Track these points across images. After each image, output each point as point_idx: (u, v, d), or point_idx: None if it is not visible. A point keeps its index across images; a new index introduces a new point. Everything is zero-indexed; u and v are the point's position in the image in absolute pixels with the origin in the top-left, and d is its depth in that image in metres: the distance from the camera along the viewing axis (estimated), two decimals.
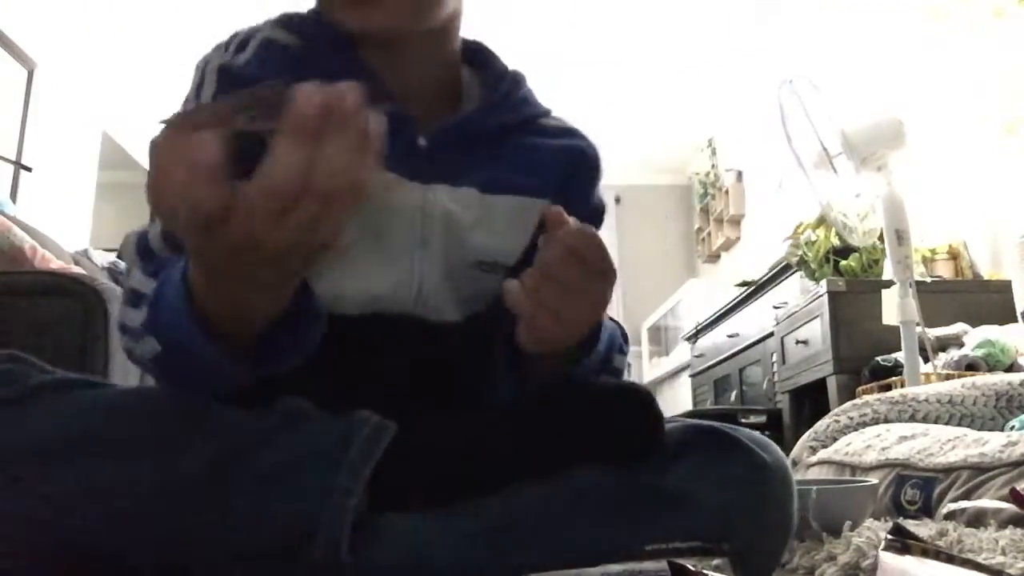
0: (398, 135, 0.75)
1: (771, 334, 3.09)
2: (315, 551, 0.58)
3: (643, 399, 0.68)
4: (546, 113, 0.89)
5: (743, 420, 2.87)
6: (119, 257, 2.79)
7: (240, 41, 0.76)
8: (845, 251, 2.77)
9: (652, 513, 0.63)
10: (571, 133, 0.89)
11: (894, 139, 2.11)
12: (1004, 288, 2.52)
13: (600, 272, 0.63)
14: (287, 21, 0.79)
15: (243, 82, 0.70)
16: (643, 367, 5.61)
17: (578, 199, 0.83)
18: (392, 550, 0.60)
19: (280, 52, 0.75)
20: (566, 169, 0.85)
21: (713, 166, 5.39)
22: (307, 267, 0.54)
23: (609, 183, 6.11)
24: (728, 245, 5.28)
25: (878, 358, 2.32)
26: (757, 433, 0.70)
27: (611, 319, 0.85)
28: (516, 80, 0.87)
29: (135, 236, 0.70)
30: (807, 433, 1.76)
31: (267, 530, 0.58)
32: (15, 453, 0.58)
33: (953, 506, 1.08)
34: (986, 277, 2.63)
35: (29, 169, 3.54)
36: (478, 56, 0.87)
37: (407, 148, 0.75)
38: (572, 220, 0.64)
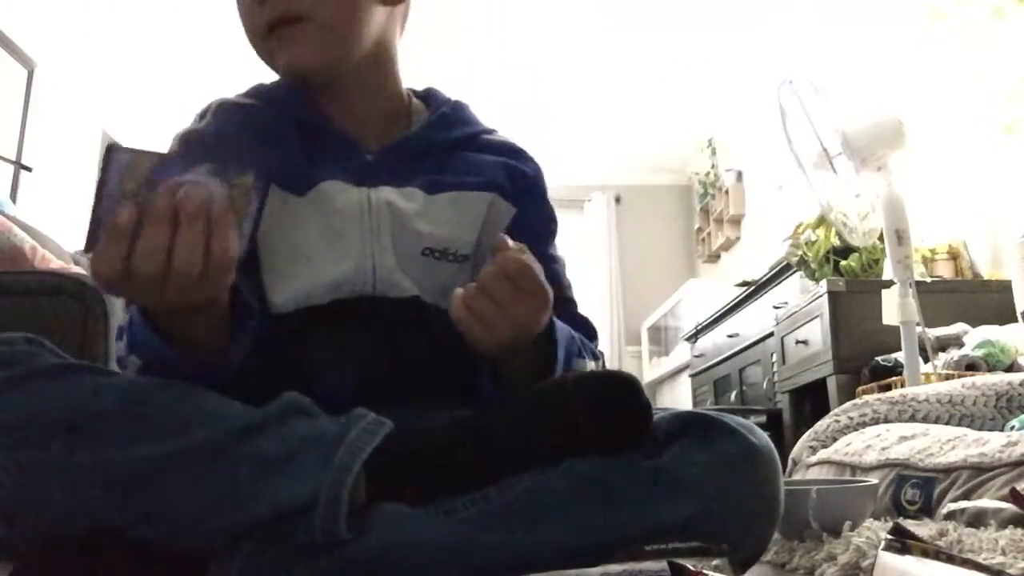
0: (347, 155, 0.88)
1: (771, 334, 3.09)
2: (314, 525, 0.60)
3: (629, 385, 0.70)
4: (490, 131, 0.99)
5: None
6: None
7: (204, 111, 0.91)
8: (845, 251, 2.77)
9: (649, 495, 0.66)
10: (513, 150, 0.98)
11: (894, 139, 2.10)
12: (1004, 288, 2.51)
13: (529, 293, 0.73)
14: (250, 90, 0.93)
15: (203, 142, 0.86)
16: (643, 367, 5.60)
17: (531, 217, 0.94)
18: (391, 532, 0.62)
19: (235, 110, 0.89)
20: (510, 181, 0.93)
21: (713, 166, 5.39)
22: (210, 305, 0.66)
23: (609, 183, 6.13)
24: (728, 245, 5.28)
25: (878, 358, 2.32)
26: (741, 418, 0.73)
27: (578, 316, 0.95)
28: (457, 106, 0.98)
29: None
30: (807, 433, 1.76)
31: (267, 503, 0.60)
32: (25, 429, 0.61)
33: (953, 506, 1.08)
34: (986, 277, 2.63)
35: (29, 169, 3.54)
36: (428, 94, 0.99)
37: (356, 163, 0.87)
38: (515, 245, 0.75)
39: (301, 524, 0.60)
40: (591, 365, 0.88)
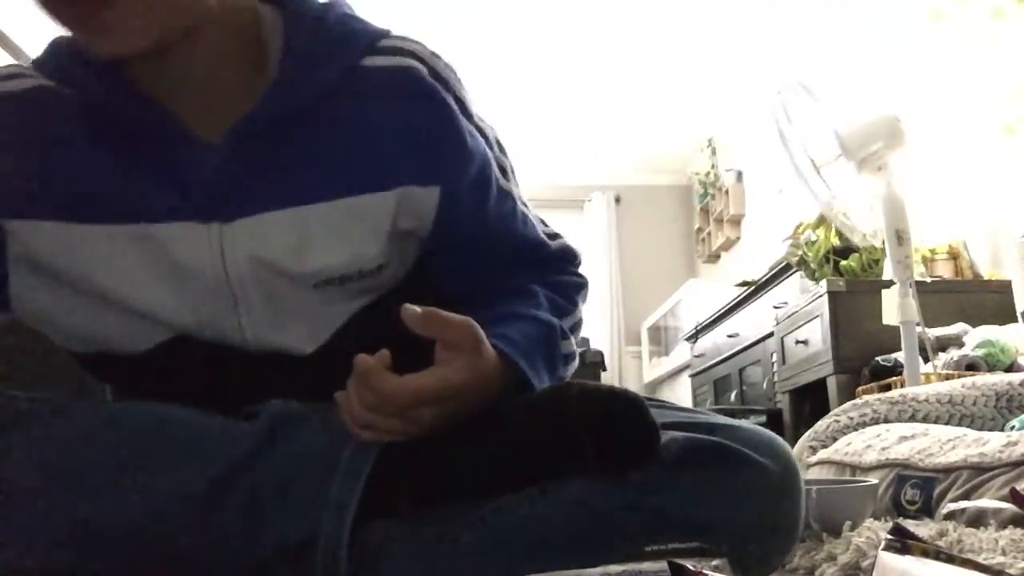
0: (178, 156, 0.65)
1: (771, 334, 3.09)
2: (315, 565, 0.57)
3: (633, 404, 0.62)
4: (371, 43, 0.70)
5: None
6: None
7: None
8: (845, 251, 2.77)
9: (655, 535, 0.59)
10: (410, 87, 0.69)
11: (891, 137, 2.10)
12: (1004, 288, 2.52)
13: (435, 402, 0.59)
14: (42, 57, 0.69)
15: None
16: (643, 367, 5.60)
17: (460, 180, 0.71)
18: (390, 563, 0.59)
19: (15, 107, 0.66)
20: (420, 151, 0.69)
21: (713, 166, 5.38)
22: None
23: (609, 183, 6.12)
24: (728, 245, 5.28)
25: (878, 358, 2.32)
26: (761, 430, 0.66)
27: (547, 252, 0.79)
28: (321, 25, 0.69)
29: None
30: (807, 433, 1.76)
31: (265, 546, 0.57)
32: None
33: (953, 506, 1.08)
34: (986, 277, 2.64)
35: None
36: (284, 7, 0.71)
37: (193, 173, 0.65)
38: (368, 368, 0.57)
39: (301, 561, 0.57)
40: (579, 315, 0.78)
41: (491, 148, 0.76)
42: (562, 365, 0.74)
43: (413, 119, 0.69)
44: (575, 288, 0.80)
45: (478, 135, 0.74)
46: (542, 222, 0.84)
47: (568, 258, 0.83)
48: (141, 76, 0.65)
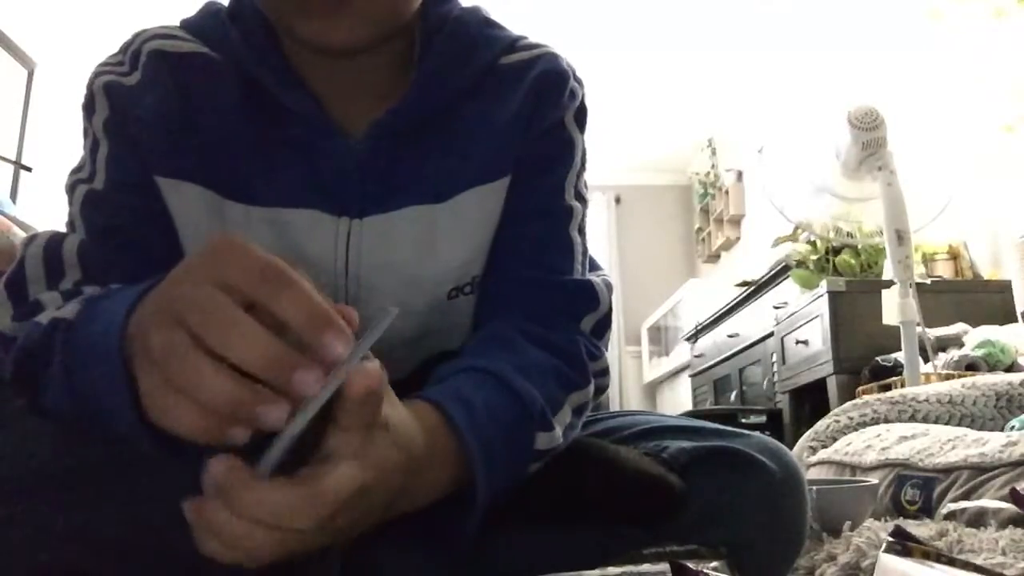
0: (322, 150, 0.64)
1: (771, 334, 3.09)
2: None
3: (672, 494, 0.59)
4: (510, 44, 0.71)
5: (743, 420, 2.87)
6: None
7: (133, 53, 0.66)
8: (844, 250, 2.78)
9: (660, 538, 0.58)
10: (537, 63, 0.71)
11: (874, 131, 2.11)
12: (1004, 288, 2.52)
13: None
14: (195, 21, 0.68)
15: (134, 106, 0.63)
16: (643, 367, 5.60)
17: (541, 128, 0.70)
18: None
19: (169, 66, 0.64)
20: (526, 138, 0.70)
21: (713, 166, 5.39)
22: None
23: (609, 183, 6.11)
24: (728, 245, 5.28)
25: (878, 358, 2.32)
26: (767, 439, 0.66)
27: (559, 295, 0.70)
28: (461, 24, 0.68)
29: (43, 242, 0.61)
30: (807, 433, 1.76)
31: None
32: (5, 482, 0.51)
33: (953, 506, 1.08)
34: (986, 277, 2.64)
35: (29, 169, 3.54)
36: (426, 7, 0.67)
37: (333, 169, 0.63)
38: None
39: (295, 571, 0.53)
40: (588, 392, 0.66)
41: (582, 161, 0.76)
42: (531, 460, 0.58)
43: (538, 103, 0.70)
44: (592, 355, 0.67)
45: (581, 141, 0.75)
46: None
47: (590, 300, 0.72)
48: (295, 59, 0.64)
